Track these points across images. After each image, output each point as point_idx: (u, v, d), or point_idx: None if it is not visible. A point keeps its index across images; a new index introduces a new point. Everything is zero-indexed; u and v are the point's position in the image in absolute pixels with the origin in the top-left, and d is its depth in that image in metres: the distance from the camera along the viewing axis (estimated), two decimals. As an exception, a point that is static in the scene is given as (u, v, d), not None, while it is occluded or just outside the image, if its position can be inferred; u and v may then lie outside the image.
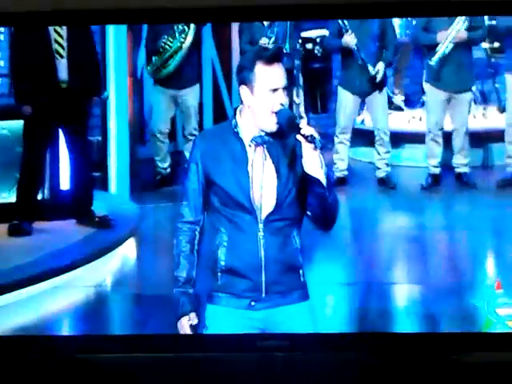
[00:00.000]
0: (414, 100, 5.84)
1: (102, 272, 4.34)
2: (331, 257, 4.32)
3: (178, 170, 5.09)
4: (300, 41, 5.43)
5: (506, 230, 4.39)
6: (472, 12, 4.06)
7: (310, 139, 2.27)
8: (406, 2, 3.01)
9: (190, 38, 4.92)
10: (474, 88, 5.30)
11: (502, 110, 5.33)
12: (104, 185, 4.91)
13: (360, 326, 3.79)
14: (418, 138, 5.31)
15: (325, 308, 3.94)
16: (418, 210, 4.92)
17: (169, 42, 4.94)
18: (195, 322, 2.46)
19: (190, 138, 4.96)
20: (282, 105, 2.36)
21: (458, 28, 4.85)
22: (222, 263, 2.43)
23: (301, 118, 2.35)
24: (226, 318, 2.47)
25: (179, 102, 5.08)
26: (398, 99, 5.84)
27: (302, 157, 2.30)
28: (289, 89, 2.49)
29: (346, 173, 5.12)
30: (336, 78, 5.41)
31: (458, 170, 5.07)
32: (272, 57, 2.38)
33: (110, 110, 4.87)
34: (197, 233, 2.49)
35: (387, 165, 5.14)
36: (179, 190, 2.87)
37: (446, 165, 5.11)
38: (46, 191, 4.61)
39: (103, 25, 4.48)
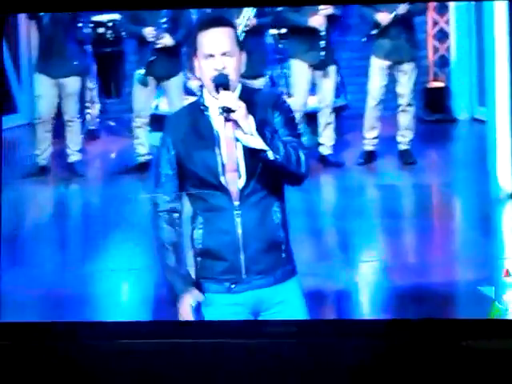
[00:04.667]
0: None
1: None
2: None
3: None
4: (91, 25, 5.38)
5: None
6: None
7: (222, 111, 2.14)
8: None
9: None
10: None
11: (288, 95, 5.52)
12: None
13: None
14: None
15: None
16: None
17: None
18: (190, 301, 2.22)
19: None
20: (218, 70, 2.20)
21: (247, 16, 4.85)
22: (199, 246, 2.26)
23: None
24: (213, 306, 2.30)
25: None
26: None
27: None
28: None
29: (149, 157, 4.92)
30: (129, 62, 5.30)
31: None
32: (209, 22, 2.25)
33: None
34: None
35: None
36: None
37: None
38: None
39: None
